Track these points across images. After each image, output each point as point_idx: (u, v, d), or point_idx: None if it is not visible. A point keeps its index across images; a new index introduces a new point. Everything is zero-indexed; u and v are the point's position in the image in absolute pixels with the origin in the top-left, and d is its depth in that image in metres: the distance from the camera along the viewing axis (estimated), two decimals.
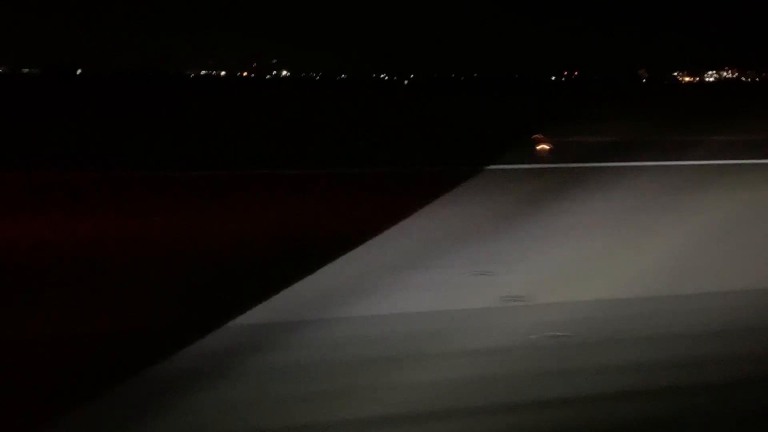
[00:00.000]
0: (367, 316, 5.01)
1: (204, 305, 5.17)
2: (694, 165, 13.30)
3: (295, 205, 9.08)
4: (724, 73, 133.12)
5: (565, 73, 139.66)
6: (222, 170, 11.72)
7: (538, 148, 14.93)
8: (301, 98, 40.57)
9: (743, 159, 14.08)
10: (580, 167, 12.70)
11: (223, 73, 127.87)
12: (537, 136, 15.59)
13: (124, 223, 7.82)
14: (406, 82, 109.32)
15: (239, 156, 13.63)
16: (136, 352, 4.22)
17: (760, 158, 14.19)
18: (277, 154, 13.68)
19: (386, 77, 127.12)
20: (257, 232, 7.52)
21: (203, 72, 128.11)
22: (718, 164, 13.42)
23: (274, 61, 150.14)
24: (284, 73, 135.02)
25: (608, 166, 12.97)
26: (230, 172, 11.60)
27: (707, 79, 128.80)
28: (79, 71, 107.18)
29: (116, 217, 8.15)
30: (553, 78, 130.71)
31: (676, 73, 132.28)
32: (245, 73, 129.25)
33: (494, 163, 12.75)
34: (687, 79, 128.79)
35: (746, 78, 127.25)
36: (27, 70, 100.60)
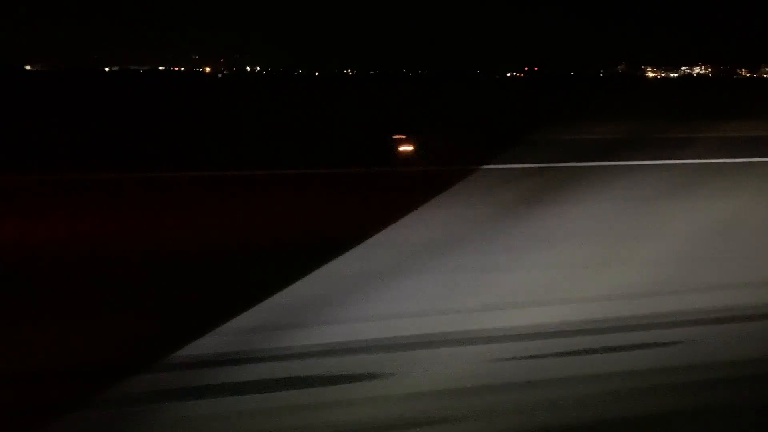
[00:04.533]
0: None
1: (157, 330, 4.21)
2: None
3: (282, 207, 8.02)
4: (697, 69, 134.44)
5: (525, 68, 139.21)
6: (205, 170, 10.52)
7: None
8: (278, 94, 38.30)
9: None
10: None
11: (182, 68, 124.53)
12: None
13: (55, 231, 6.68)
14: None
15: (211, 156, 12.24)
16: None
17: None
18: (255, 154, 12.44)
19: (350, 72, 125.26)
20: (238, 235, 6.57)
21: (161, 68, 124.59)
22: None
23: (247, 55, 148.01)
24: (257, 68, 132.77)
25: None
26: (211, 173, 10.35)
27: (671, 75, 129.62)
28: (27, 67, 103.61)
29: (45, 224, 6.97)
30: (515, 74, 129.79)
31: (651, 69, 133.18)
32: (206, 69, 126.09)
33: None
34: (651, 74, 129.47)
35: (717, 74, 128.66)
36: None
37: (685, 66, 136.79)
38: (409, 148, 12.44)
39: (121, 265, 5.64)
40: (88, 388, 3.52)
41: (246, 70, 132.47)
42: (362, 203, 8.13)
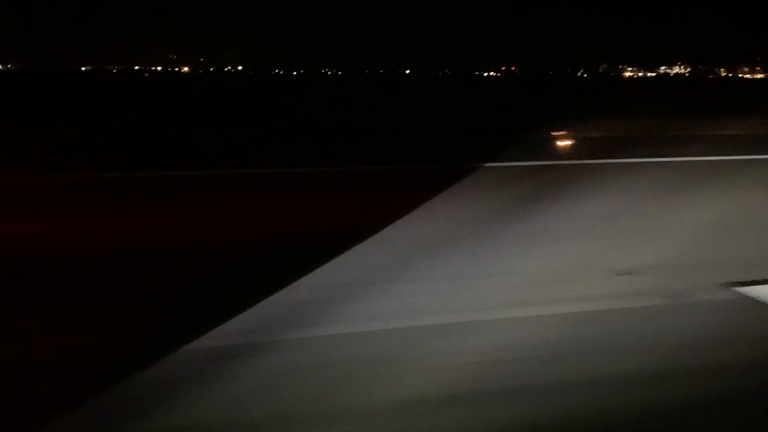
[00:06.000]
0: None
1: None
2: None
3: (277, 206, 7.91)
4: (676, 68, 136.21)
5: (503, 68, 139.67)
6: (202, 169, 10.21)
7: None
8: (266, 93, 37.86)
9: None
10: None
11: (158, 68, 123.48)
12: None
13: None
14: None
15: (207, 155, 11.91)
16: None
17: None
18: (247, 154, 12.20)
19: (330, 72, 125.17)
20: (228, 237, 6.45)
21: (137, 67, 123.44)
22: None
23: (228, 55, 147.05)
24: (239, 67, 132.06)
25: None
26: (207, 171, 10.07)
27: (648, 74, 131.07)
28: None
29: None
30: (493, 73, 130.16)
31: (631, 69, 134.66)
32: (186, 68, 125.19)
33: None
34: (628, 74, 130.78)
35: (695, 74, 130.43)
36: None
37: (664, 66, 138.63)
38: None
39: (122, 263, 5.58)
40: (91, 383, 3.52)
41: (226, 69, 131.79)
42: None
